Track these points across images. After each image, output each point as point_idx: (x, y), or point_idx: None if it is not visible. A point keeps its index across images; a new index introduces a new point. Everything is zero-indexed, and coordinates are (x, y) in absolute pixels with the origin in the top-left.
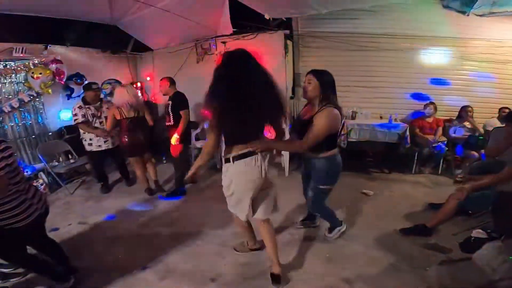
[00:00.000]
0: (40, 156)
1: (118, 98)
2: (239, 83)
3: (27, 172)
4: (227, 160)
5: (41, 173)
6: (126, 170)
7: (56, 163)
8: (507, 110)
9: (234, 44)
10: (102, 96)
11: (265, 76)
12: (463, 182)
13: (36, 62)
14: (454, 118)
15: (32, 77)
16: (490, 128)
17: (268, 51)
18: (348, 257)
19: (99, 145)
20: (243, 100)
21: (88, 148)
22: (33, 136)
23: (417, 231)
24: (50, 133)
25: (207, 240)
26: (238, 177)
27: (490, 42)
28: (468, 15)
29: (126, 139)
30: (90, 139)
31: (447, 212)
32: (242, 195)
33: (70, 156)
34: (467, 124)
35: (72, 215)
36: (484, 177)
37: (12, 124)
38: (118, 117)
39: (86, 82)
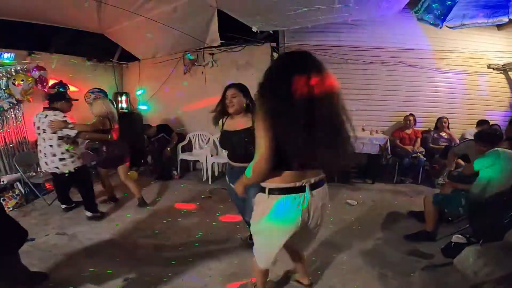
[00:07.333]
0: (16, 166)
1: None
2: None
3: (3, 182)
4: (261, 189)
5: (17, 183)
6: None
7: (34, 173)
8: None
9: (221, 56)
10: None
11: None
12: (445, 186)
13: (18, 68)
14: (432, 129)
15: (14, 83)
16: (469, 137)
17: (255, 63)
18: (333, 266)
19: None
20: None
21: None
22: (11, 145)
23: (421, 237)
24: (29, 143)
25: (191, 250)
26: (272, 217)
27: (463, 53)
28: (441, 28)
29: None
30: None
31: (430, 214)
32: (271, 241)
33: None
34: (444, 134)
35: (49, 225)
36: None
37: None
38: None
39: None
